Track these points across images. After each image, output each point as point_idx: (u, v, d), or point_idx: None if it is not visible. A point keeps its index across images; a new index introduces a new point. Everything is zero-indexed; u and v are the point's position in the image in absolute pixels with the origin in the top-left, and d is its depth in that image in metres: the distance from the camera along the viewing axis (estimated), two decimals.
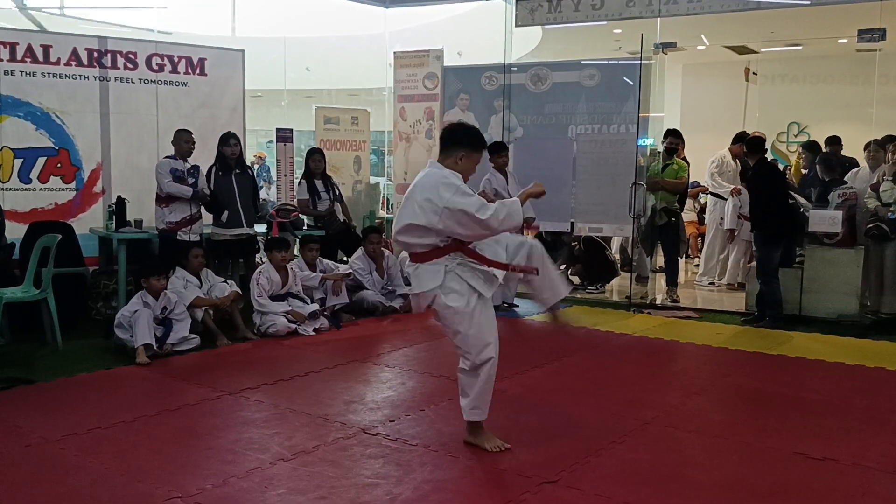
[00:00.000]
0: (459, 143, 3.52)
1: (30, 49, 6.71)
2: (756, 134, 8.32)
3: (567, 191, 7.79)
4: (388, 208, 9.83)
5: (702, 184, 10.21)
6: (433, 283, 3.43)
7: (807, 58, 11.72)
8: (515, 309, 7.20)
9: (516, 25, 8.24)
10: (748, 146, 6.79)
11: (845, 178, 7.16)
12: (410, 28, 10.19)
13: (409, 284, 3.75)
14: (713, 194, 8.58)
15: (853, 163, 7.71)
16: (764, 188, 6.51)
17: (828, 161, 7.33)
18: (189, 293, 5.74)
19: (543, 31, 9.46)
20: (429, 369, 5.13)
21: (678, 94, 12.88)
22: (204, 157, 6.47)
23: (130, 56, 7.18)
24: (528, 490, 3.17)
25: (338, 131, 9.12)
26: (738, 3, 7.22)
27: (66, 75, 6.89)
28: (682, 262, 8.52)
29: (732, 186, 8.17)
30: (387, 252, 7.43)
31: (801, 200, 7.17)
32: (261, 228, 6.87)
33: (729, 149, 8.37)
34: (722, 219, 8.43)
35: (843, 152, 7.97)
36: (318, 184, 7.55)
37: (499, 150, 7.01)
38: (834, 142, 8.02)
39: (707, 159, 8.69)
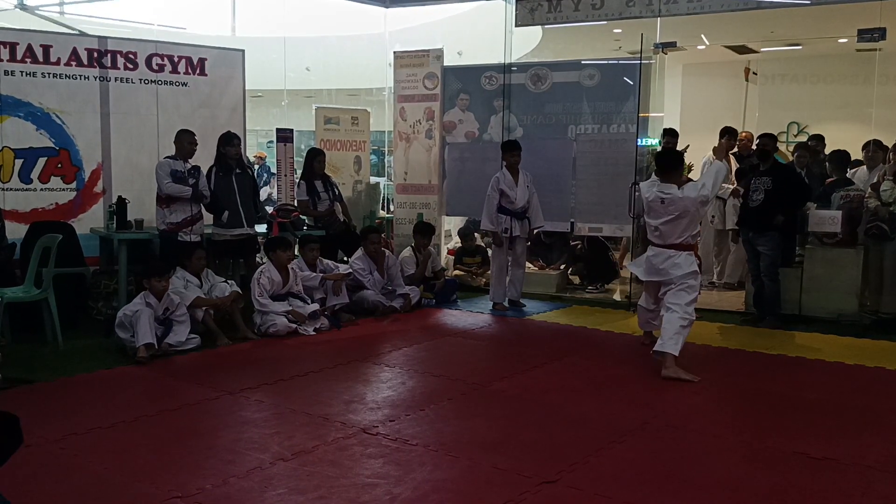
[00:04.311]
0: (678, 164, 5.30)
1: (30, 49, 6.71)
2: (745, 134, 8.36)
3: (567, 191, 7.79)
4: (387, 208, 9.82)
5: None
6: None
7: (807, 57, 11.71)
8: (523, 308, 7.23)
9: (516, 25, 8.22)
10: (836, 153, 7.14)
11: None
12: (410, 28, 10.19)
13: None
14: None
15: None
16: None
17: (836, 159, 7.24)
18: (190, 293, 5.74)
19: (543, 31, 9.45)
20: (429, 369, 5.14)
21: (678, 94, 12.86)
22: (203, 157, 6.47)
23: (130, 56, 7.18)
24: (527, 490, 3.18)
25: (338, 131, 9.11)
26: (738, 2, 7.20)
27: (66, 75, 6.88)
28: None
29: (733, 187, 8.02)
30: (387, 252, 7.44)
31: None
32: (261, 229, 6.87)
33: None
34: (713, 217, 8.30)
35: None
36: (318, 184, 7.55)
37: (511, 148, 7.09)
38: (817, 140, 8.07)
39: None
